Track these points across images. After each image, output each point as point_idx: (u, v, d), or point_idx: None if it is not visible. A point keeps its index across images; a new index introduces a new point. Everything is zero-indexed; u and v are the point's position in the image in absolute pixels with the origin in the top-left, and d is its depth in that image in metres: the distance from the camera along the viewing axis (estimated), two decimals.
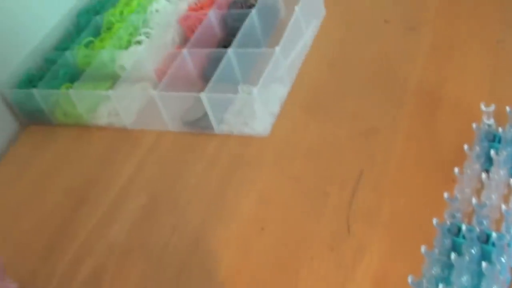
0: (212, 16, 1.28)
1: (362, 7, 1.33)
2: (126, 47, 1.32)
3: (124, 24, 1.35)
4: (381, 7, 1.30)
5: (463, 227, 0.79)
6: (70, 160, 1.20)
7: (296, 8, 1.18)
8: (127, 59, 1.27)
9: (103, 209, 1.06)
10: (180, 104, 1.15)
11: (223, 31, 1.30)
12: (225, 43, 1.25)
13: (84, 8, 1.48)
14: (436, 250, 0.78)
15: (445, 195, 0.82)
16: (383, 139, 1.01)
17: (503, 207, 0.80)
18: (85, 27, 1.41)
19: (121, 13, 1.40)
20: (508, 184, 0.86)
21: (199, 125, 1.14)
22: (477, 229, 0.78)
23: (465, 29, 1.17)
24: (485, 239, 0.78)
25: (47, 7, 1.42)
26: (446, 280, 0.76)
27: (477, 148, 0.89)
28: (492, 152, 0.87)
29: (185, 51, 1.20)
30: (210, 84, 1.09)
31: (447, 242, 0.79)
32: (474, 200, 0.82)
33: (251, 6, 1.30)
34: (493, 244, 0.77)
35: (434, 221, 0.80)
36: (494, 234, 0.77)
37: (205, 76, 1.20)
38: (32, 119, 1.33)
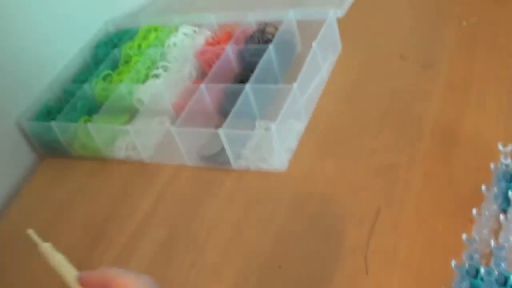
0: (230, 51, 1.29)
1: (378, 43, 1.34)
2: (144, 81, 1.33)
3: (142, 58, 1.36)
4: (397, 43, 1.31)
5: (481, 270, 0.79)
6: (87, 194, 1.21)
7: (314, 44, 1.19)
8: (145, 92, 1.28)
9: (121, 245, 1.06)
10: (197, 139, 1.16)
11: (240, 66, 1.31)
12: (242, 78, 1.26)
13: (102, 40, 1.50)
14: None
15: (464, 236, 0.82)
16: (400, 176, 1.01)
17: None
18: (103, 59, 1.42)
19: (139, 46, 1.42)
20: None
21: (216, 160, 1.14)
22: (495, 272, 0.78)
23: (482, 67, 1.17)
24: (503, 281, 0.77)
25: (65, 39, 1.44)
26: None
27: (495, 189, 0.88)
28: (510, 193, 0.86)
29: (202, 85, 1.21)
30: (228, 119, 1.10)
31: (466, 284, 0.78)
32: (492, 243, 0.81)
33: (268, 40, 1.31)
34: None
35: (453, 263, 0.79)
36: None
37: (222, 110, 1.21)
38: (50, 151, 1.34)
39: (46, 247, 0.73)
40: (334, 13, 1.27)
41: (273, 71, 1.26)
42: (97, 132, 1.23)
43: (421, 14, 1.39)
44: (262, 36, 1.33)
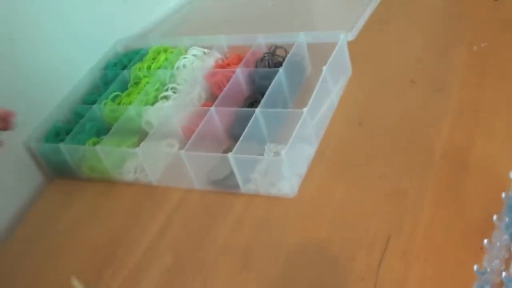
0: (240, 74, 1.29)
1: (389, 67, 1.33)
2: (153, 103, 1.33)
3: (151, 79, 1.36)
4: (407, 67, 1.30)
5: None
6: (95, 216, 1.20)
7: (324, 68, 1.18)
8: (154, 115, 1.28)
9: (129, 269, 1.06)
10: (206, 162, 1.16)
11: (250, 89, 1.31)
12: (252, 101, 1.25)
13: (112, 61, 1.50)
14: None
15: (475, 267, 0.81)
16: (411, 202, 1.00)
17: None
18: (112, 80, 1.43)
19: (149, 67, 1.42)
20: None
21: (225, 184, 1.14)
22: None
23: (492, 92, 1.17)
24: None
25: (75, 59, 1.44)
26: None
27: (506, 219, 0.87)
28: None
29: (212, 108, 1.20)
30: (238, 144, 1.09)
31: None
32: (503, 273, 0.80)
33: (278, 63, 1.31)
34: None
35: None
36: None
37: (232, 134, 1.21)
38: (58, 172, 1.33)
39: None
40: (344, 37, 1.27)
41: (283, 94, 1.25)
42: (105, 154, 1.23)
43: (431, 39, 1.38)
44: (272, 59, 1.32)
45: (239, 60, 1.35)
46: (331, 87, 1.23)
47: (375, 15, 1.39)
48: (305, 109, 1.11)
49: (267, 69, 1.30)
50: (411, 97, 1.23)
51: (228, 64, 1.36)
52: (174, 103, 1.29)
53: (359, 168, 1.11)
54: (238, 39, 1.41)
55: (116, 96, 1.37)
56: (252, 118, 1.15)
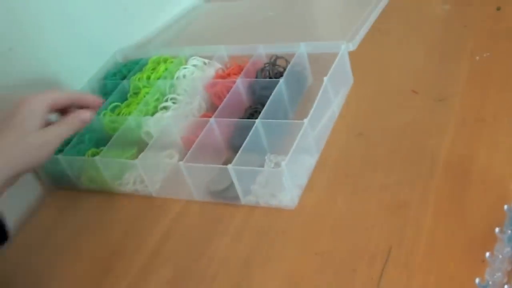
0: (240, 84, 1.28)
1: (390, 77, 1.33)
2: (153, 113, 1.32)
3: (151, 90, 1.36)
4: (409, 77, 1.30)
5: None
6: (94, 228, 1.19)
7: (325, 79, 1.18)
8: (154, 125, 1.27)
9: (128, 281, 1.05)
10: (206, 174, 1.15)
11: (250, 99, 1.30)
12: (252, 111, 1.25)
13: (111, 71, 1.50)
14: None
15: (477, 280, 0.80)
16: (412, 214, 0.99)
17: None
18: (112, 90, 1.41)
19: (148, 78, 1.41)
20: None
21: (225, 195, 1.13)
22: None
23: (495, 102, 1.16)
24: None
25: (73, 69, 1.43)
26: None
27: (509, 231, 0.86)
28: None
29: (212, 119, 1.19)
30: (238, 155, 1.08)
31: None
32: (506, 287, 0.80)
33: (279, 73, 1.30)
34: None
35: None
36: None
37: (232, 145, 1.20)
38: (57, 183, 1.33)
39: None
40: (346, 47, 1.26)
41: (284, 104, 1.25)
42: (105, 165, 1.22)
43: (433, 49, 1.37)
44: (273, 69, 1.32)
45: (239, 70, 1.34)
46: (332, 98, 1.23)
47: (376, 25, 1.38)
48: (306, 120, 1.10)
49: (267, 79, 1.29)
50: (413, 107, 1.22)
51: (229, 74, 1.35)
52: (174, 113, 1.28)
53: (360, 179, 1.10)
54: (239, 49, 1.40)
55: (116, 106, 1.37)
56: (252, 129, 1.14)
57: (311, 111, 1.12)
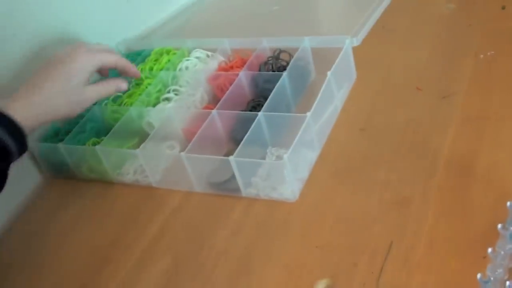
0: (243, 77, 1.27)
1: (394, 73, 1.32)
2: (155, 104, 1.32)
3: (153, 81, 1.35)
4: (413, 74, 1.29)
5: None
6: (93, 217, 1.19)
7: (329, 73, 1.17)
8: (155, 116, 1.27)
9: (126, 271, 1.04)
10: (207, 165, 1.14)
11: (253, 92, 1.29)
12: (255, 104, 1.24)
13: None
14: None
15: (478, 276, 0.80)
16: (414, 210, 0.99)
17: None
18: None
19: (151, 69, 1.40)
20: None
21: (226, 187, 1.13)
22: None
23: (499, 100, 1.16)
24: None
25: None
26: None
27: (511, 228, 0.86)
28: None
29: (214, 111, 1.19)
30: (239, 147, 1.08)
31: None
32: (508, 283, 0.79)
33: (282, 67, 1.29)
34: None
35: None
36: None
37: (234, 137, 1.19)
38: (57, 173, 1.32)
39: None
40: (350, 42, 1.26)
41: (287, 98, 1.24)
42: (105, 155, 1.21)
43: (437, 46, 1.37)
44: (276, 63, 1.31)
45: (242, 63, 1.33)
46: (335, 92, 1.22)
47: (381, 21, 1.38)
48: (308, 114, 1.10)
49: (270, 72, 1.29)
50: (416, 104, 1.21)
51: (232, 67, 1.34)
52: (176, 104, 1.27)
53: (361, 175, 1.09)
54: (242, 43, 1.39)
55: (118, 96, 1.36)
56: (255, 122, 1.13)
57: (314, 105, 1.12)
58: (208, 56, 1.41)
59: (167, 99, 1.31)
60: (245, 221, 1.07)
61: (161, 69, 1.39)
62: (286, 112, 1.21)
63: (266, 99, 1.18)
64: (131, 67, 1.15)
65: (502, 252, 0.84)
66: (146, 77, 1.37)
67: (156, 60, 1.43)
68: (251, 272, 0.97)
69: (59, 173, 1.31)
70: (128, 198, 1.21)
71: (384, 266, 0.91)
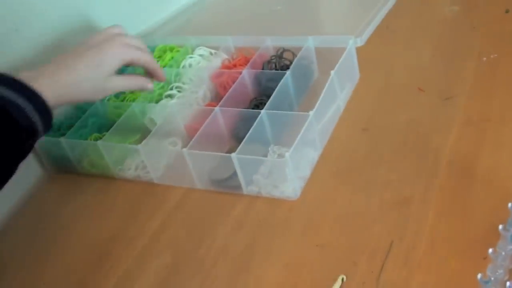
0: (246, 75, 1.27)
1: (397, 74, 1.32)
2: (157, 100, 1.32)
3: None
4: (416, 75, 1.29)
5: None
6: (94, 212, 1.19)
7: (332, 72, 1.17)
8: (158, 112, 1.27)
9: (126, 266, 1.04)
10: (209, 162, 1.14)
11: (256, 91, 1.29)
12: (257, 103, 1.24)
13: None
14: None
15: (479, 276, 0.80)
16: (414, 211, 0.99)
17: None
18: None
19: None
20: None
21: (227, 184, 1.13)
22: None
23: (501, 102, 1.16)
24: None
25: None
26: None
27: None
28: None
29: (217, 108, 1.19)
30: (241, 144, 1.08)
31: None
32: (508, 283, 0.79)
33: (285, 66, 1.30)
34: None
35: None
36: None
37: (236, 135, 1.19)
38: (58, 167, 1.32)
39: None
40: (353, 42, 1.26)
41: (289, 96, 1.24)
42: (107, 150, 1.21)
43: (440, 48, 1.37)
44: (279, 62, 1.31)
45: (246, 61, 1.34)
46: (338, 92, 1.22)
47: (385, 22, 1.39)
48: (311, 112, 1.10)
49: (274, 71, 1.29)
50: (419, 105, 1.21)
51: (235, 65, 1.34)
52: (179, 101, 1.27)
53: (363, 174, 1.09)
54: (246, 41, 1.39)
55: (120, 92, 1.36)
56: (257, 120, 1.13)
57: (317, 104, 1.12)
58: (211, 54, 1.41)
59: (170, 96, 1.31)
60: (246, 219, 1.07)
61: (164, 66, 1.39)
62: (288, 111, 1.21)
63: (269, 97, 1.18)
64: (160, 71, 1.14)
65: (503, 253, 0.84)
66: None
67: (159, 57, 1.43)
68: (251, 269, 0.97)
69: (61, 167, 1.31)
70: (129, 194, 1.21)
71: (384, 265, 0.91)
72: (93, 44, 1.05)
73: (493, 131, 1.10)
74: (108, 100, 1.34)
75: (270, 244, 1.01)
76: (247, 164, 1.08)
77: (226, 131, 1.21)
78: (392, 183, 1.05)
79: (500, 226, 0.86)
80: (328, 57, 1.25)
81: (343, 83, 1.25)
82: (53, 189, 1.30)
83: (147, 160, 1.19)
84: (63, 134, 1.26)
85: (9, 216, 1.24)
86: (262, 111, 1.14)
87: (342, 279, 0.90)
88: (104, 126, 1.29)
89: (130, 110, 1.28)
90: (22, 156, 0.90)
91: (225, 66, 1.35)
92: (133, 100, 1.32)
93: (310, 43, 1.30)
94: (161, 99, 1.31)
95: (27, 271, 1.10)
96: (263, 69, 1.31)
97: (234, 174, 1.10)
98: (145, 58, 1.10)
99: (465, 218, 0.95)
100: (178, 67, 1.39)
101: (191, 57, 1.40)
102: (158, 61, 1.41)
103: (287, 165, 1.04)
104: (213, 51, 1.41)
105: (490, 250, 0.83)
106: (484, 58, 1.28)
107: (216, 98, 1.31)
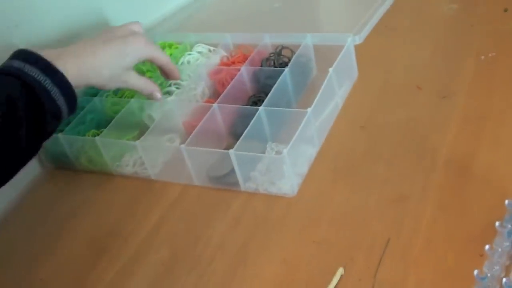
0: (244, 72, 1.27)
1: (395, 72, 1.32)
2: None
3: (154, 74, 1.35)
4: (414, 73, 1.30)
5: None
6: (92, 208, 1.19)
7: (330, 70, 1.17)
8: (156, 109, 1.27)
9: (123, 262, 1.04)
10: (207, 158, 1.14)
11: (254, 88, 1.30)
12: (255, 99, 1.24)
13: None
14: None
15: (475, 272, 0.80)
16: (412, 208, 0.99)
17: None
18: None
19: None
20: None
21: (225, 181, 1.13)
22: None
23: (499, 101, 1.16)
24: None
25: None
26: None
27: (509, 226, 0.87)
28: None
29: (215, 105, 1.19)
30: (239, 141, 1.08)
31: None
32: (504, 280, 0.80)
33: (283, 63, 1.30)
34: None
35: None
36: None
37: (234, 131, 1.19)
38: (56, 163, 1.32)
39: None
40: (352, 40, 1.26)
41: (288, 94, 1.24)
42: (105, 146, 1.21)
43: (439, 46, 1.37)
44: (278, 59, 1.31)
45: (244, 58, 1.34)
46: (336, 89, 1.22)
47: (383, 20, 1.39)
48: (309, 109, 1.10)
49: (272, 68, 1.29)
50: (417, 103, 1.22)
51: (233, 62, 1.34)
52: (177, 98, 1.27)
53: (360, 171, 1.10)
54: (244, 38, 1.39)
55: (119, 89, 1.36)
56: (255, 116, 1.13)
57: (315, 101, 1.12)
58: (210, 50, 1.41)
59: (168, 93, 1.31)
60: (243, 215, 1.07)
61: None
62: (286, 108, 1.21)
63: (267, 94, 1.18)
64: (177, 72, 1.18)
65: (500, 250, 0.84)
66: (148, 70, 1.38)
67: None
68: (248, 265, 0.98)
69: (59, 164, 1.31)
70: (126, 190, 1.21)
71: (381, 261, 0.91)
72: (118, 35, 1.07)
73: (491, 129, 1.10)
74: (106, 96, 1.34)
75: (268, 241, 1.01)
76: (245, 160, 1.08)
77: (224, 128, 1.21)
78: (390, 181, 1.05)
79: (497, 223, 0.86)
80: (327, 55, 1.25)
81: (341, 81, 1.25)
82: (51, 185, 1.30)
83: (145, 157, 1.19)
84: (61, 130, 1.26)
85: (6, 211, 1.24)
86: (260, 108, 1.14)
87: (341, 272, 0.90)
88: (102, 122, 1.29)
89: (128, 106, 1.28)
90: (44, 137, 0.92)
91: (223, 63, 1.36)
92: (131, 96, 1.32)
93: (308, 40, 1.31)
94: None
95: (24, 266, 1.10)
96: (261, 66, 1.31)
97: (232, 170, 1.10)
98: (165, 58, 1.14)
99: (462, 215, 0.95)
100: (176, 63, 1.39)
101: (189, 54, 1.40)
102: None
103: (284, 162, 1.04)
104: (211, 48, 1.41)
105: (487, 247, 0.83)
106: (483, 57, 1.28)
107: (215, 95, 1.31)
